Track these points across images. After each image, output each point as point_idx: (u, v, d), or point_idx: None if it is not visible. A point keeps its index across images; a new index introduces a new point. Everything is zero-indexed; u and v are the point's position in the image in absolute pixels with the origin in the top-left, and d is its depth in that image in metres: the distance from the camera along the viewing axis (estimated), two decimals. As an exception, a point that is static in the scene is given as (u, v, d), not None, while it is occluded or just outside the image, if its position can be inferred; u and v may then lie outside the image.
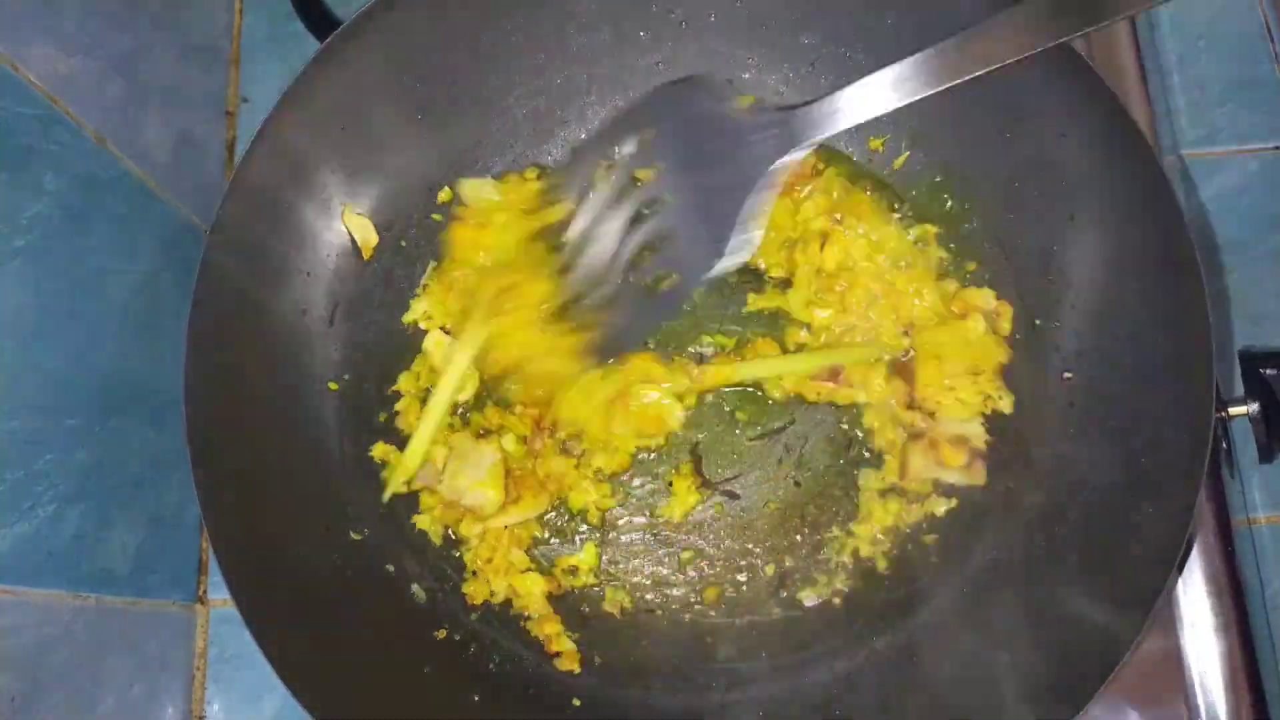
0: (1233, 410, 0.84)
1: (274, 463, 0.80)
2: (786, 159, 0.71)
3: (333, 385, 0.85)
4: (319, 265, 0.85)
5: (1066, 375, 0.82)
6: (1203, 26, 0.99)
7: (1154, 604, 0.68)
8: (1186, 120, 0.97)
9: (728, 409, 0.87)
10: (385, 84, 0.83)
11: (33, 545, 0.72)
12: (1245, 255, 0.93)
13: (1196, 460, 0.70)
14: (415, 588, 0.83)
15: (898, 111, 0.85)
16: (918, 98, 0.66)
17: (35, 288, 0.74)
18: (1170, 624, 0.85)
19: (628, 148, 0.79)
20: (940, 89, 0.65)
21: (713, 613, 0.84)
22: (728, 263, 0.73)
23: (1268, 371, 0.82)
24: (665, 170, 0.77)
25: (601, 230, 0.80)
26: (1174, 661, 0.84)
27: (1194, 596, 0.85)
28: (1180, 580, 0.85)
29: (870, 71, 0.85)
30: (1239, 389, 0.86)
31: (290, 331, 0.83)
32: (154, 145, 0.90)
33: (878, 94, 0.68)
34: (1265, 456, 0.82)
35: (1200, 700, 0.83)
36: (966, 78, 0.65)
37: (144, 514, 0.84)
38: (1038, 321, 0.83)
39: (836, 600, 0.83)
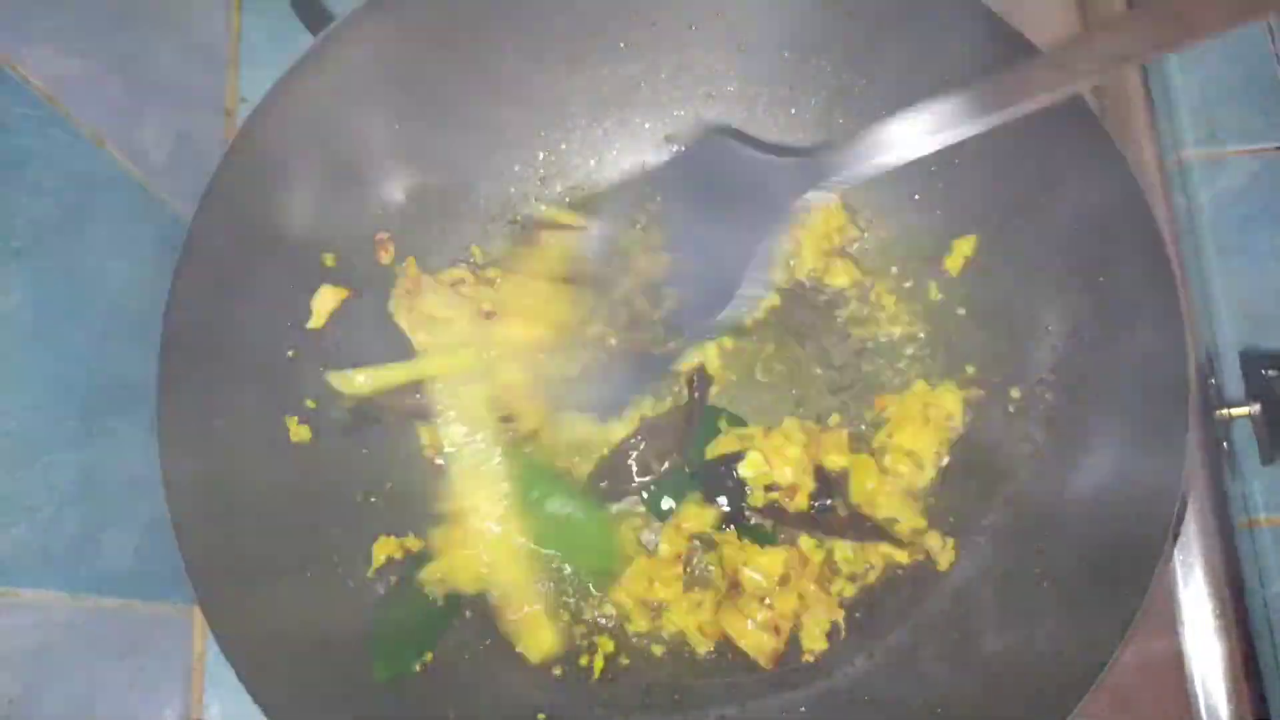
0: (1234, 411, 0.84)
1: (251, 481, 0.79)
2: (805, 198, 0.66)
3: (310, 403, 0.85)
4: (301, 272, 0.84)
5: (1046, 393, 0.82)
6: (1203, 27, 0.99)
7: (1133, 618, 0.68)
8: (1187, 120, 0.97)
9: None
10: (370, 89, 0.83)
11: (31, 547, 0.72)
12: (1246, 255, 0.93)
13: (1174, 466, 0.70)
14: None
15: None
16: (956, 139, 0.61)
17: (33, 288, 0.73)
18: (1171, 625, 0.85)
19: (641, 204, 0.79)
20: (983, 126, 0.60)
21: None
22: (733, 311, 0.70)
23: (1269, 372, 0.82)
24: (676, 215, 0.75)
25: (608, 269, 0.79)
26: (1175, 663, 0.84)
27: (1195, 598, 0.84)
28: (1181, 581, 0.85)
29: (850, 87, 0.85)
30: (1240, 390, 0.86)
31: (273, 342, 0.83)
32: (152, 145, 0.90)
33: (913, 134, 0.61)
34: (1266, 458, 0.82)
35: (1201, 702, 0.83)
36: (1013, 110, 0.59)
37: (142, 516, 0.84)
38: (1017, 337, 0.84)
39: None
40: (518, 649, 0.82)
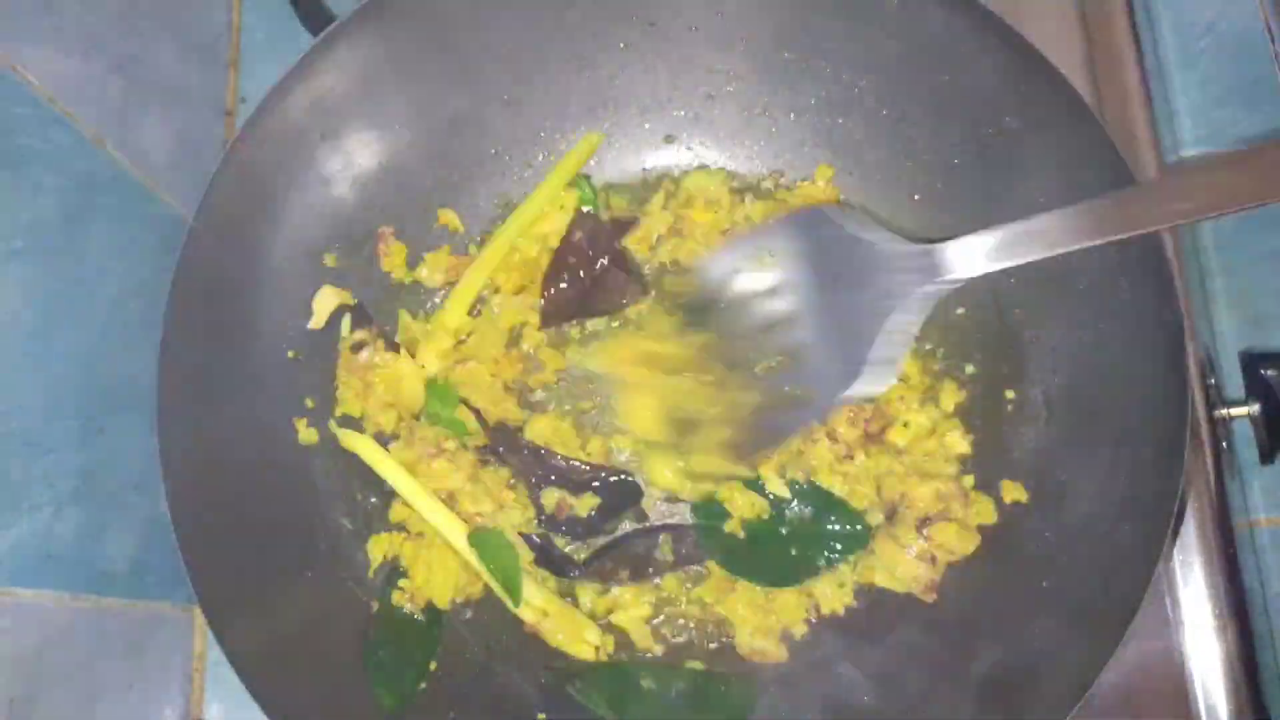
0: (1233, 411, 0.84)
1: (251, 481, 0.79)
2: (929, 289, 0.69)
3: (310, 402, 0.85)
4: (302, 273, 0.84)
5: (1044, 394, 0.82)
6: (1203, 27, 0.99)
7: (1130, 620, 0.68)
8: (1187, 121, 0.97)
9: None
10: (370, 89, 0.82)
11: (31, 547, 0.72)
12: (1245, 255, 0.93)
13: (1174, 468, 0.70)
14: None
15: (872, 131, 0.86)
16: (1087, 244, 0.63)
17: (34, 289, 0.73)
18: (1170, 626, 0.84)
19: (754, 262, 0.79)
20: (1120, 237, 0.62)
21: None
22: (865, 389, 0.72)
23: (1268, 372, 0.82)
24: (797, 287, 0.76)
25: (738, 322, 0.79)
26: (1174, 664, 0.84)
27: (1194, 599, 0.84)
28: (1181, 581, 0.85)
29: (852, 88, 0.85)
30: (1240, 390, 0.85)
31: (273, 342, 0.83)
32: (152, 146, 0.90)
33: (1042, 237, 0.64)
34: (1266, 458, 0.82)
35: (1201, 703, 0.83)
36: (1153, 228, 0.62)
37: (142, 515, 0.84)
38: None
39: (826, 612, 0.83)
40: (567, 651, 0.81)
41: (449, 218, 0.89)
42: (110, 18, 0.85)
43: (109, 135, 0.83)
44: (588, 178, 0.90)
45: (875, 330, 0.70)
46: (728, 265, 0.81)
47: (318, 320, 0.85)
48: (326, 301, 0.85)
